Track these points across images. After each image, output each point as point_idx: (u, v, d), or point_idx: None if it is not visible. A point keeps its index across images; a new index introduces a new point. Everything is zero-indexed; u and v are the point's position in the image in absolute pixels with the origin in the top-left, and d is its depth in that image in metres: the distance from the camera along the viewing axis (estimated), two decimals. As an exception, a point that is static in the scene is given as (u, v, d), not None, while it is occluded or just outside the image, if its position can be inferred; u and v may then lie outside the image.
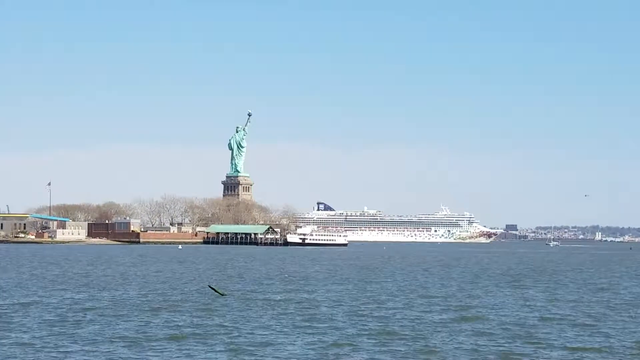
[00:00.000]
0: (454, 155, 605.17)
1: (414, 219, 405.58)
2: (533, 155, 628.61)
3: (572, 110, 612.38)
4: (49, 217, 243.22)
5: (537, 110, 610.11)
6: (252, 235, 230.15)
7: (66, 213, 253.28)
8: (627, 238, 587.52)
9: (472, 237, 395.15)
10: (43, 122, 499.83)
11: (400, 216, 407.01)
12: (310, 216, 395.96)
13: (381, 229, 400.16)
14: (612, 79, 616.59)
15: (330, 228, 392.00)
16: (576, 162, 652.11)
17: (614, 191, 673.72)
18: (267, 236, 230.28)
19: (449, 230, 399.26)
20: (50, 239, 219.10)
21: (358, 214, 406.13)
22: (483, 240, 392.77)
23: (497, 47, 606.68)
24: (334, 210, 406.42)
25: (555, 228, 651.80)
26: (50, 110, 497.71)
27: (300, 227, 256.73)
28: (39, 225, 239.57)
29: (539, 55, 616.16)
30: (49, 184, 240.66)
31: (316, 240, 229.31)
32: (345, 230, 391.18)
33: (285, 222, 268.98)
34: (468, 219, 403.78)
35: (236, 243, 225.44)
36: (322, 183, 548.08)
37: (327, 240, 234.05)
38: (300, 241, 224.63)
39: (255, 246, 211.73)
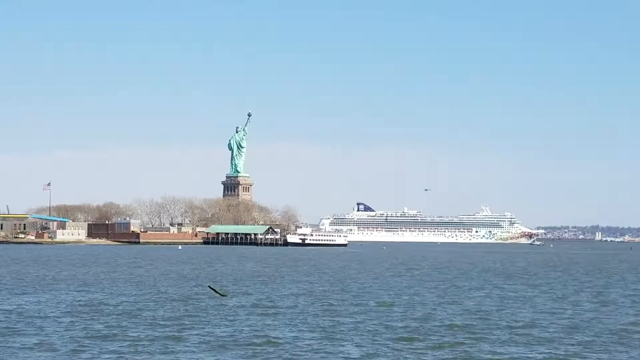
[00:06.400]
0: (453, 156, 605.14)
1: (455, 220, 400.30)
2: (533, 155, 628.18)
3: (572, 110, 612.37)
4: (48, 218, 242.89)
5: (537, 110, 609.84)
6: (252, 236, 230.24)
7: (66, 213, 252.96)
8: (627, 238, 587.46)
9: (513, 237, 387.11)
10: (43, 123, 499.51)
11: (441, 217, 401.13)
12: (350, 217, 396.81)
13: (422, 229, 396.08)
14: (612, 78, 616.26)
15: (370, 229, 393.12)
16: (576, 162, 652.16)
17: (614, 191, 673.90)
18: (267, 236, 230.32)
19: (490, 231, 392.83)
20: (50, 240, 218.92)
21: (398, 214, 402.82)
22: (524, 240, 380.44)
23: (498, 47, 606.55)
24: (373, 210, 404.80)
25: (556, 228, 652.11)
26: (50, 110, 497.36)
27: (301, 226, 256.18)
28: (38, 225, 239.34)
29: (538, 54, 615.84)
30: (49, 184, 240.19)
31: (316, 240, 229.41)
32: (385, 231, 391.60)
33: (285, 223, 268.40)
34: (509, 219, 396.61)
35: (236, 243, 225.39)
36: (323, 183, 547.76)
37: (327, 240, 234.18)
38: (300, 241, 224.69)
39: (255, 246, 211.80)
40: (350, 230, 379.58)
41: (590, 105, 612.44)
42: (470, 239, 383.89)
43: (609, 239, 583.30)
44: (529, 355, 29.98)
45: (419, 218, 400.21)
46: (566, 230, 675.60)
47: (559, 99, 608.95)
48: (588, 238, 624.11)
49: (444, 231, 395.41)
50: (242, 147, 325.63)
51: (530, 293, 57.92)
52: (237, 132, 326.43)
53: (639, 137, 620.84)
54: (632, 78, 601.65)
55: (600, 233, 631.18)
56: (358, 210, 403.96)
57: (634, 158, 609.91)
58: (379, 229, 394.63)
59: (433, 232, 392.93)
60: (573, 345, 32.56)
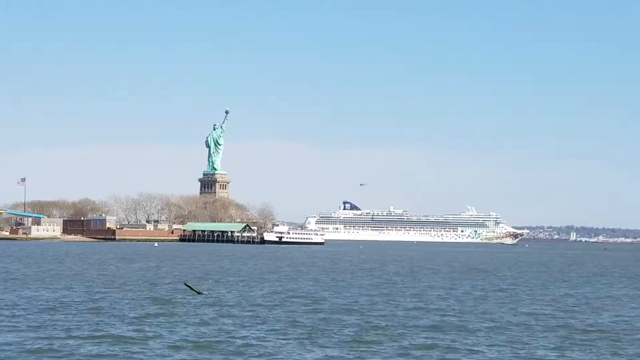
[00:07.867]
0: (433, 155, 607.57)
1: (441, 219, 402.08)
2: (509, 156, 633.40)
3: (553, 111, 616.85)
4: (23, 214, 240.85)
5: (524, 110, 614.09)
6: (229, 233, 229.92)
7: (41, 209, 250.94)
8: (600, 238, 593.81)
9: (498, 237, 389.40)
10: (18, 120, 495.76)
11: (427, 216, 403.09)
12: (336, 215, 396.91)
13: (407, 228, 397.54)
14: (607, 78, 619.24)
15: (356, 228, 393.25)
16: (553, 164, 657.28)
17: (589, 192, 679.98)
18: (244, 234, 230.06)
19: (475, 231, 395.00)
20: (24, 236, 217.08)
21: (385, 213, 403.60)
22: (509, 241, 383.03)
23: (496, 46, 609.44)
24: (360, 209, 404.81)
25: (531, 228, 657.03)
26: (26, 107, 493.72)
27: (278, 224, 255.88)
28: (13, 221, 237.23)
29: (535, 54, 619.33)
30: (23, 179, 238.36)
31: (293, 238, 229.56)
32: (372, 230, 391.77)
33: (262, 221, 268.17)
34: (494, 219, 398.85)
35: (213, 241, 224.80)
36: (302, 182, 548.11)
37: (304, 239, 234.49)
38: (277, 239, 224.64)
39: (232, 244, 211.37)
40: (337, 228, 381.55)
41: (570, 107, 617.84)
42: (456, 239, 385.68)
43: (583, 239, 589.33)
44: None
45: (405, 217, 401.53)
46: (541, 230, 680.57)
47: (541, 101, 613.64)
48: (563, 238, 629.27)
49: (430, 230, 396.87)
50: (219, 145, 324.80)
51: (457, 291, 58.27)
52: (214, 129, 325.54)
53: (616, 140, 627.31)
54: (631, 78, 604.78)
55: (574, 233, 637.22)
56: (344, 208, 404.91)
57: (610, 160, 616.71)
58: (365, 227, 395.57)
59: (419, 232, 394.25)
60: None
